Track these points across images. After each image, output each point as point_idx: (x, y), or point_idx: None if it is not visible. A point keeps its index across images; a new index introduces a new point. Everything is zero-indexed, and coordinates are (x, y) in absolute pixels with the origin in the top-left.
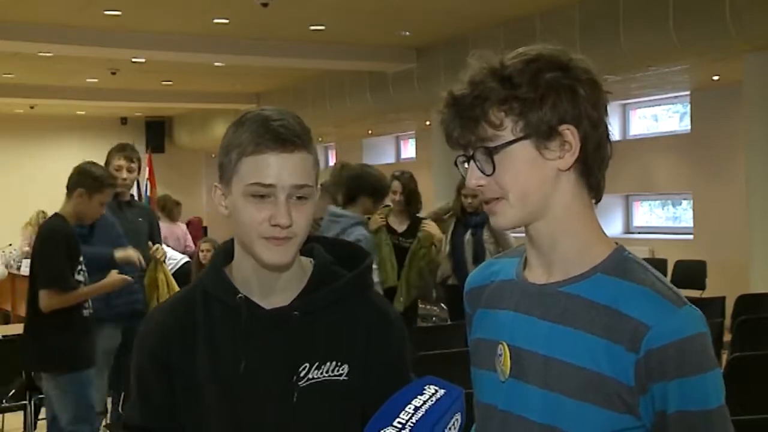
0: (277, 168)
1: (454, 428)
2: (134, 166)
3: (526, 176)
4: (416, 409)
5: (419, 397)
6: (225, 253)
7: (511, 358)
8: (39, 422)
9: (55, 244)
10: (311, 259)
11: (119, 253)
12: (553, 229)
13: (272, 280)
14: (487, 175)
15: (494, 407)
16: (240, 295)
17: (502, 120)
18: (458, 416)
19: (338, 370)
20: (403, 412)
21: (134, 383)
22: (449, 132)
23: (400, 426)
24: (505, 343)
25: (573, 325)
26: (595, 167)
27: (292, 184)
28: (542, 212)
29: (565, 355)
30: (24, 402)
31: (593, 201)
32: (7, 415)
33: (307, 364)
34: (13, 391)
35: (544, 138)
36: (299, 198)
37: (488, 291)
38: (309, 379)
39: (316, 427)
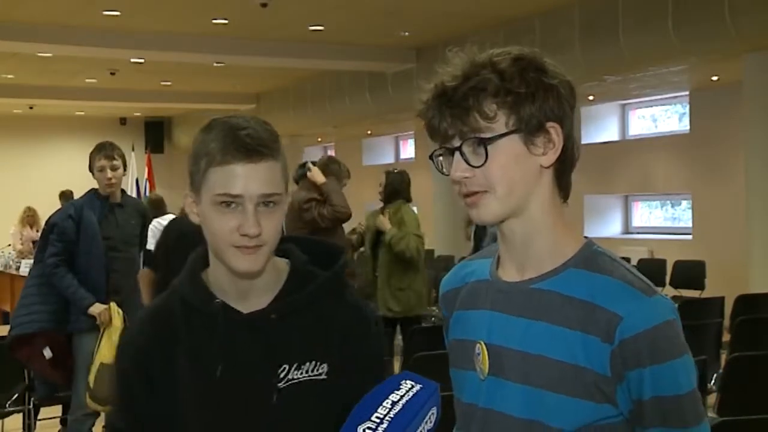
0: (245, 178)
1: (430, 422)
2: (117, 163)
3: (514, 170)
4: (393, 404)
5: (396, 392)
6: (201, 258)
7: (489, 357)
8: (39, 422)
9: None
10: (287, 260)
11: (94, 309)
12: (527, 227)
13: (247, 285)
14: (474, 167)
15: (475, 406)
16: (217, 300)
17: (495, 112)
18: (434, 410)
19: (318, 370)
20: (380, 408)
21: (117, 390)
22: (435, 123)
23: (378, 421)
24: (482, 342)
25: (548, 320)
26: (569, 167)
27: (259, 193)
28: (521, 208)
29: (542, 349)
30: (25, 405)
31: (563, 201)
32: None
33: (287, 366)
34: (16, 395)
35: (532, 133)
36: (267, 205)
37: (463, 293)
38: (289, 380)
39: (296, 428)
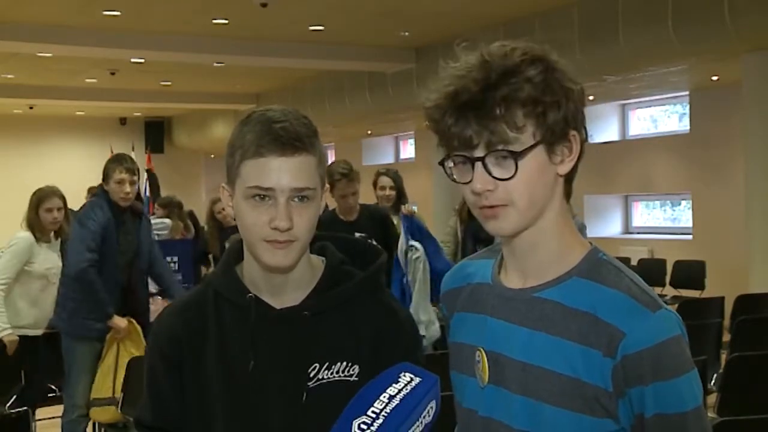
0: (277, 171)
1: (429, 416)
2: (136, 178)
3: (537, 182)
4: (391, 397)
5: (394, 385)
6: (236, 252)
7: (489, 365)
8: (39, 423)
9: None
10: (323, 258)
11: (117, 321)
12: (536, 235)
13: (280, 280)
14: (499, 179)
15: (475, 413)
16: (250, 294)
17: (524, 122)
18: (433, 404)
19: (349, 371)
20: (377, 401)
21: (146, 382)
22: (457, 129)
23: (374, 415)
24: (482, 350)
25: (549, 331)
26: (575, 173)
27: (291, 187)
28: (537, 219)
29: (542, 361)
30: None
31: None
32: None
33: (318, 365)
34: (15, 396)
35: (555, 143)
36: (300, 200)
37: (464, 294)
38: (319, 380)
39: (325, 428)
